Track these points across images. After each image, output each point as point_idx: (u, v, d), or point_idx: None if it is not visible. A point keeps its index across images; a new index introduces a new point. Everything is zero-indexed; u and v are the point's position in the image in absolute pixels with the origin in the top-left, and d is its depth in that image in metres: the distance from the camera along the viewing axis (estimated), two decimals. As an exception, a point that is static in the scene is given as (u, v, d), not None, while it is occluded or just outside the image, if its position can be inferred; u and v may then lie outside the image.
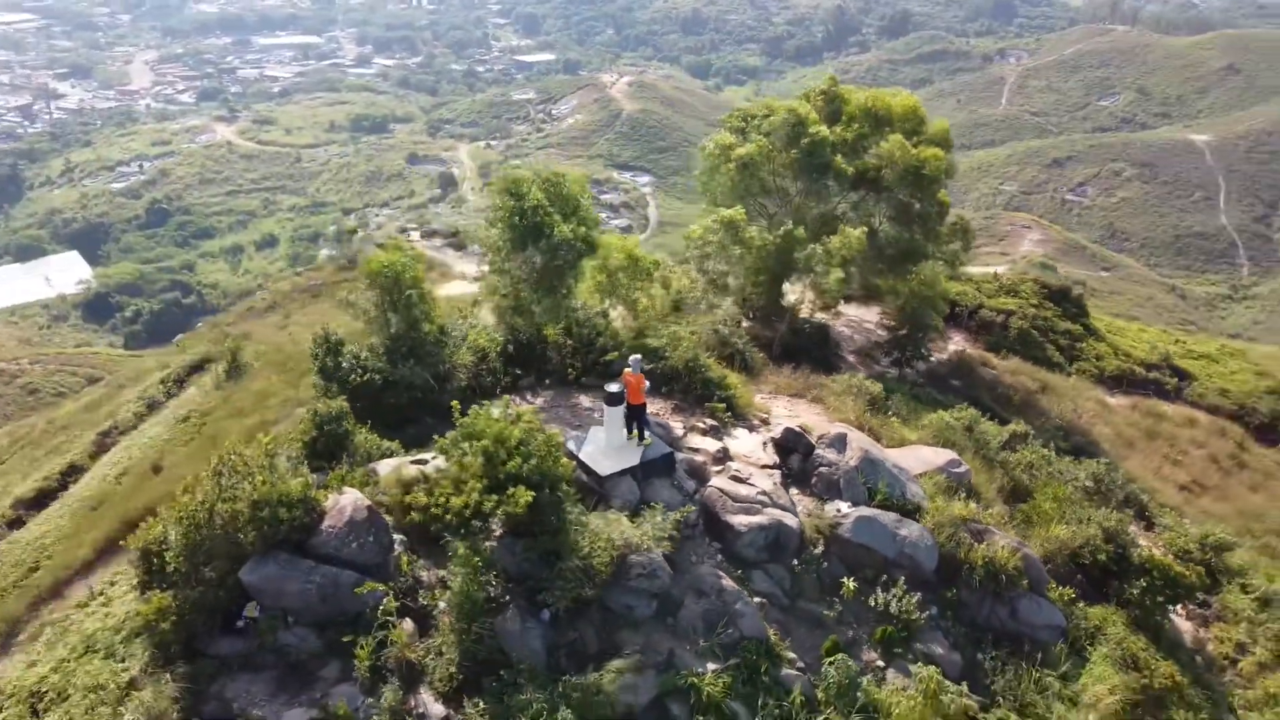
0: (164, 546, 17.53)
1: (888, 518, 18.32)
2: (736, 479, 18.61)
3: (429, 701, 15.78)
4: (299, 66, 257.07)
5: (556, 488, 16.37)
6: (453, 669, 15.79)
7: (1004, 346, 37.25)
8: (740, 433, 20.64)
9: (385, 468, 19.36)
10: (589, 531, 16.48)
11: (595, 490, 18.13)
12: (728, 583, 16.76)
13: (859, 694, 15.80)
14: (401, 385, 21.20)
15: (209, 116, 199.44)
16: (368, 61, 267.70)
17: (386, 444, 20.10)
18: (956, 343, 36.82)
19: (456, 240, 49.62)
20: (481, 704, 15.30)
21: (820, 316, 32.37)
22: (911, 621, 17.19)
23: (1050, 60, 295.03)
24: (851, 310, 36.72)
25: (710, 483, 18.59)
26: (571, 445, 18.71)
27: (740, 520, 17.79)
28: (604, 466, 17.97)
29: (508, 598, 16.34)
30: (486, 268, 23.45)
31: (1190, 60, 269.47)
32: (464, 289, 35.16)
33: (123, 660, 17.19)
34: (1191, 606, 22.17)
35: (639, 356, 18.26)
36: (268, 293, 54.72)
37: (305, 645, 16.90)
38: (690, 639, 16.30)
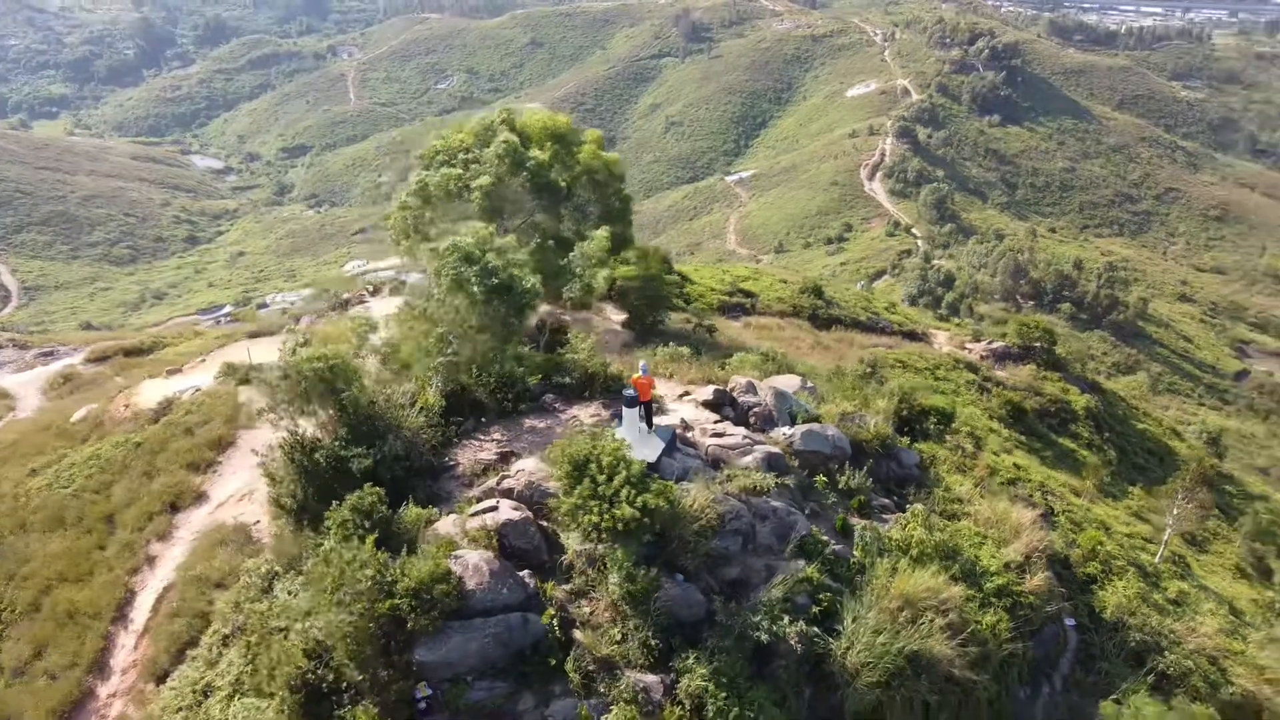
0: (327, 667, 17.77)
1: (815, 427, 24.92)
2: (716, 435, 23.74)
3: (637, 676, 18.95)
4: None
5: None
6: (652, 642, 19.10)
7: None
8: (671, 407, 25.51)
9: (447, 524, 20.91)
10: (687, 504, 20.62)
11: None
12: (776, 503, 22.15)
13: (882, 541, 22.51)
14: (386, 461, 22.23)
15: None
16: None
17: (421, 510, 21.34)
18: (607, 315, 43.70)
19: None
20: (691, 655, 18.99)
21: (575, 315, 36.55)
22: (866, 489, 24.21)
23: (383, 52, 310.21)
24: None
25: (706, 442, 23.48)
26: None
27: (744, 460, 23.09)
28: (647, 455, 21.85)
29: (655, 572, 19.89)
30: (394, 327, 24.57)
31: (502, 39, 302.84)
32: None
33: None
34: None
35: (645, 362, 22.29)
36: None
37: (495, 692, 18.76)
38: (774, 552, 21.50)
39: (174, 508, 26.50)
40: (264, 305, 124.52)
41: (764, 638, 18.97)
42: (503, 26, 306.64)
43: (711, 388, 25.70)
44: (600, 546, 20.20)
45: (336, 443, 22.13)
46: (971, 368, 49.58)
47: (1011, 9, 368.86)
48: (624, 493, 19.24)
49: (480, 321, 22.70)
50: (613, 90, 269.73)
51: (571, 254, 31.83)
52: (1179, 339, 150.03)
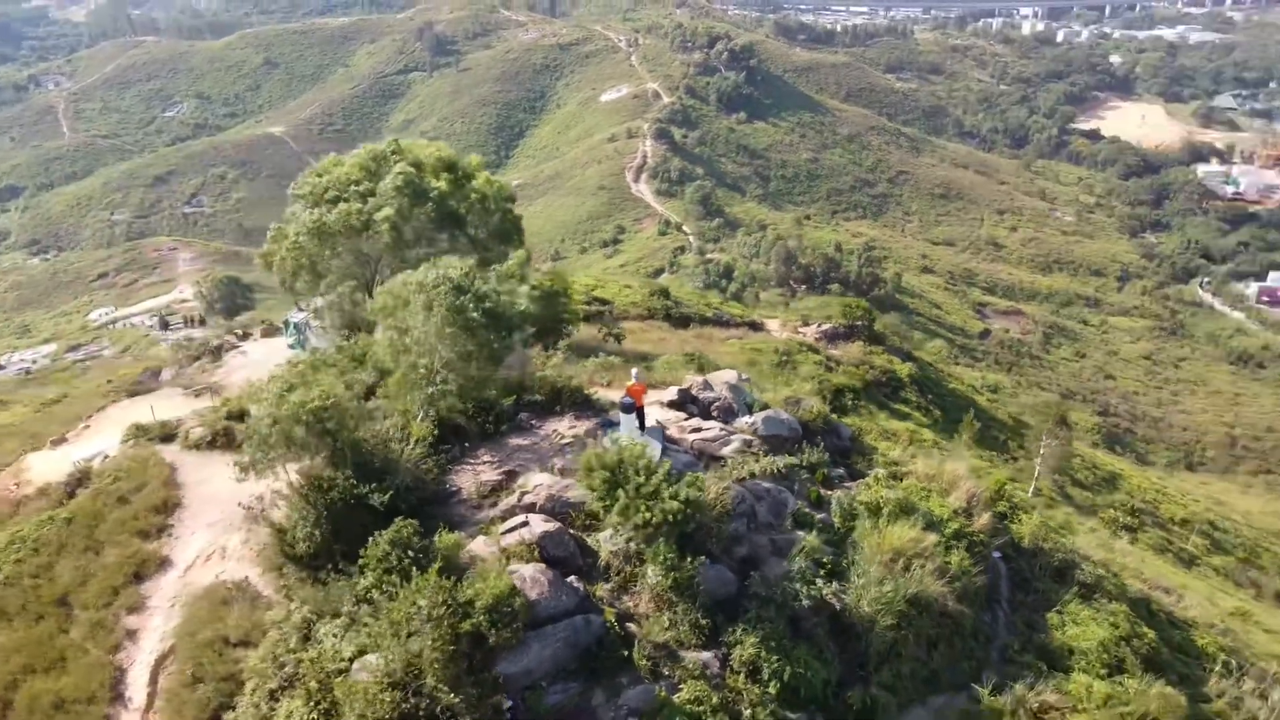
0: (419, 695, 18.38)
1: (771, 412, 27.43)
2: (695, 430, 25.77)
3: (694, 655, 20.79)
4: None
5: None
6: (702, 622, 20.95)
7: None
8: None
9: (479, 545, 21.79)
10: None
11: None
12: (767, 484, 24.47)
13: (855, 506, 25.37)
14: (400, 493, 22.71)
15: None
16: None
17: (453, 535, 21.99)
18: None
19: None
20: (739, 628, 20.99)
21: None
22: (824, 464, 27.00)
23: (96, 80, 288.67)
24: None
25: (688, 438, 25.42)
26: (606, 442, 23.84)
27: (725, 450, 25.27)
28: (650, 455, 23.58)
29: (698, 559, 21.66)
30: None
31: (233, 61, 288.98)
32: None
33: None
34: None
35: (637, 371, 23.89)
36: None
37: (569, 693, 20.11)
38: (774, 528, 23.84)
39: (137, 578, 25.36)
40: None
41: (805, 601, 21.26)
42: (232, 47, 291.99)
43: (674, 388, 27.72)
44: (633, 544, 21.77)
45: (349, 481, 22.33)
46: (813, 349, 54.07)
47: (737, 12, 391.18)
48: (664, 489, 20.93)
49: (473, 349, 23.50)
50: (361, 109, 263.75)
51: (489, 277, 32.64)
52: (931, 306, 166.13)
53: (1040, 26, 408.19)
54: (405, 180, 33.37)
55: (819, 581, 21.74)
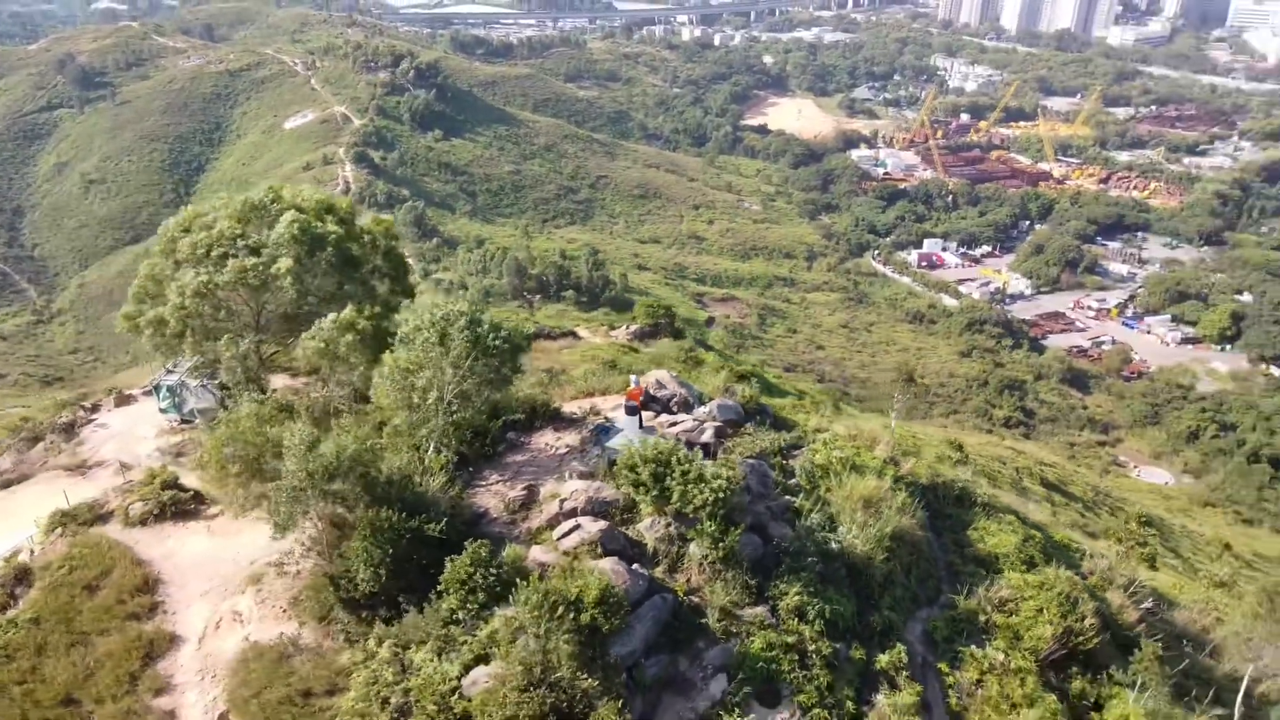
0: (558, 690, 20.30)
1: (720, 401, 30.92)
2: (674, 424, 28.76)
3: (752, 610, 24.00)
4: None
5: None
6: (751, 583, 24.17)
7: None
8: (611, 414, 29.68)
9: (538, 553, 23.72)
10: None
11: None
12: (752, 460, 28.00)
13: (813, 468, 29.55)
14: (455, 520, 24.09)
15: None
16: None
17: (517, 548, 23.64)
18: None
19: None
20: (778, 583, 24.43)
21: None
22: (770, 437, 30.94)
23: None
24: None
25: (671, 431, 28.36)
26: (611, 443, 26.44)
27: (704, 437, 28.51)
28: (653, 450, 26.41)
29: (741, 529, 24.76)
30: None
31: None
32: None
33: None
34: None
35: (635, 376, 26.45)
36: None
37: (662, 664, 22.77)
38: (765, 496, 27.46)
39: (149, 659, 24.50)
40: None
41: (835, 546, 25.10)
42: None
43: (647, 390, 30.48)
44: (673, 528, 24.57)
45: (402, 518, 23.30)
46: (633, 349, 58.13)
47: (408, 29, 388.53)
48: (708, 473, 23.92)
49: (492, 375, 25.13)
50: (0, 154, 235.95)
51: (395, 316, 33.53)
52: (659, 302, 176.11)
53: (698, 32, 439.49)
54: (301, 228, 33.37)
55: (841, 531, 25.59)
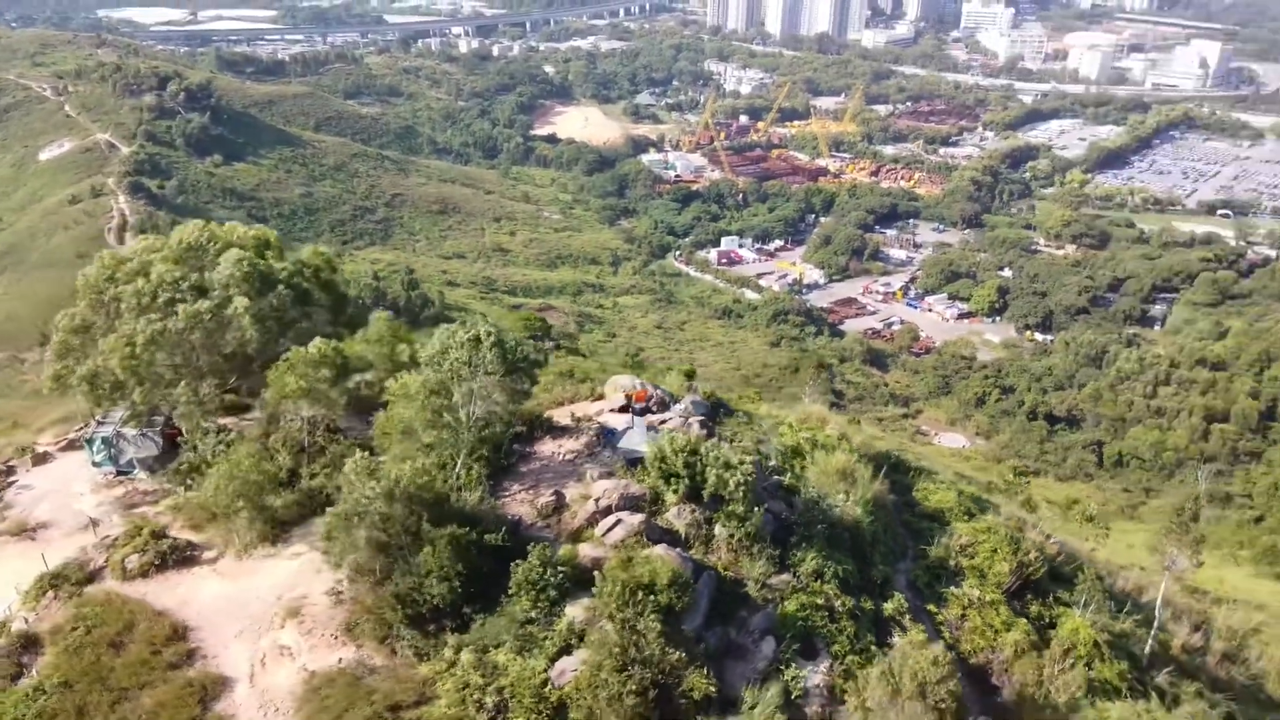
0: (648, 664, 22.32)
1: (692, 397, 33.46)
2: (664, 421, 31.08)
3: (780, 578, 26.85)
4: None
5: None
6: (774, 553, 26.94)
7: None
8: (601, 419, 31.56)
9: (588, 549, 25.60)
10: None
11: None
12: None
13: (784, 449, 32.67)
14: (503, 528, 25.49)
15: None
16: None
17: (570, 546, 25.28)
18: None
19: None
20: (795, 551, 27.34)
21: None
22: (758, 426, 33.82)
23: None
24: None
25: (665, 428, 30.63)
26: (623, 443, 28.64)
27: (693, 432, 31.02)
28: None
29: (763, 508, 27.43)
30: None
31: None
32: None
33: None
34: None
35: (634, 379, 28.57)
36: None
37: (716, 634, 25.34)
38: (762, 478, 30.32)
39: (205, 704, 24.37)
40: None
41: (837, 514, 28.23)
42: None
43: (620, 395, 32.51)
44: (699, 513, 26.99)
45: (464, 532, 24.48)
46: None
47: (166, 48, 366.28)
48: (733, 460, 26.49)
49: (512, 392, 26.63)
50: None
51: (357, 344, 33.95)
52: (479, 315, 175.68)
53: (475, 44, 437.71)
54: (250, 267, 33.21)
55: (845, 500, 28.78)
